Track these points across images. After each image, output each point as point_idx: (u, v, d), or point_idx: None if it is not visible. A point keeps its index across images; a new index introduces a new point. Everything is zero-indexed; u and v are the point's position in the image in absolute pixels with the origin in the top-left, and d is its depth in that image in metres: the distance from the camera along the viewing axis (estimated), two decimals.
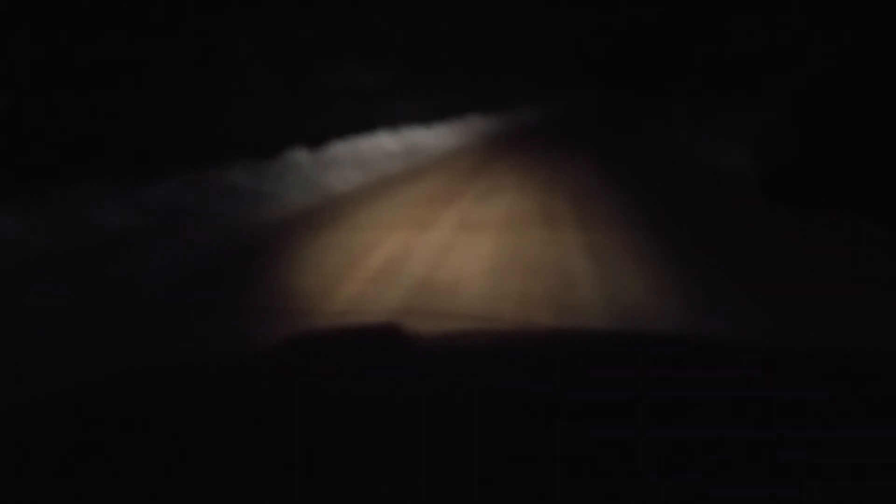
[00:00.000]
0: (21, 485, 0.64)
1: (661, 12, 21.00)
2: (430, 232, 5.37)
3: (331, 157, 9.25)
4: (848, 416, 0.71)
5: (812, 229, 5.08)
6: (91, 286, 4.00)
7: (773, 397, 0.76)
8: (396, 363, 0.92)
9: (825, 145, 6.01)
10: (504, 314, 3.32)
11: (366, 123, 11.86)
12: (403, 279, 4.03)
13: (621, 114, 20.31)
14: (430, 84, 15.68)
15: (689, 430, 0.68)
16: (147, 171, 6.32)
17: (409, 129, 13.29)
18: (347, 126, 11.07)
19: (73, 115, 6.20)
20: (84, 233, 5.21)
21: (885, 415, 0.72)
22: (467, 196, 7.19)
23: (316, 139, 9.42)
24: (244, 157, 7.58)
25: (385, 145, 11.57)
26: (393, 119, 12.91)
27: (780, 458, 0.63)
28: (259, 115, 8.76)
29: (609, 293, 3.67)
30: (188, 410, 0.79)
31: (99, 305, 3.68)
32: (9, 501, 0.60)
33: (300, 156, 8.49)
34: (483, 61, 18.30)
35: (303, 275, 4.21)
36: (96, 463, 0.67)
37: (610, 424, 0.70)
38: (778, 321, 3.16)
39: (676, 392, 0.78)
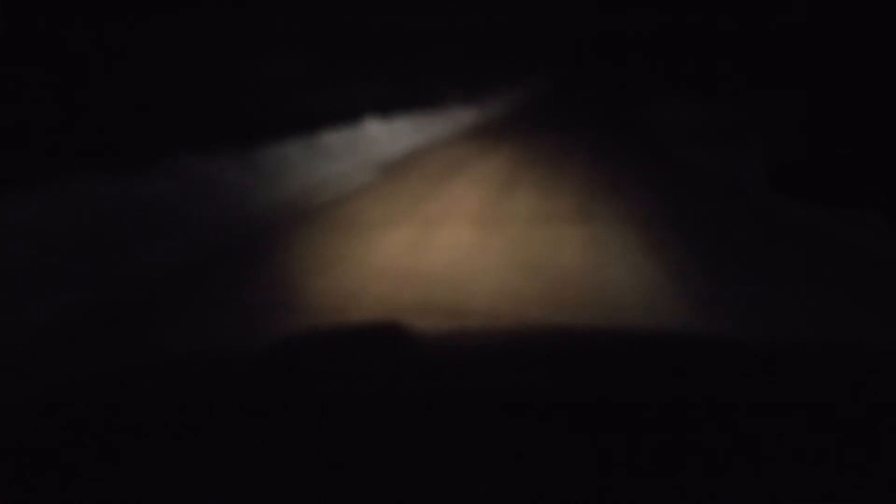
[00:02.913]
0: (21, 483, 0.63)
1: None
2: None
3: None
4: (849, 416, 0.72)
5: (821, 225, 4.97)
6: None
7: (773, 396, 0.77)
8: (398, 361, 0.93)
9: (835, 140, 6.11)
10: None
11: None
12: None
13: (586, 116, 17.10)
14: (342, 78, 12.81)
15: (690, 430, 0.68)
16: None
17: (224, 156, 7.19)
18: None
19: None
20: None
21: (887, 415, 0.73)
22: None
23: None
24: None
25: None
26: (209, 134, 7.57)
27: (780, 457, 0.64)
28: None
29: None
30: (187, 407, 0.79)
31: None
32: (9, 500, 0.60)
33: None
34: (417, 50, 15.62)
35: None
36: (96, 460, 0.66)
37: (611, 423, 0.70)
38: (781, 316, 3.10)
39: (677, 390, 0.79)
